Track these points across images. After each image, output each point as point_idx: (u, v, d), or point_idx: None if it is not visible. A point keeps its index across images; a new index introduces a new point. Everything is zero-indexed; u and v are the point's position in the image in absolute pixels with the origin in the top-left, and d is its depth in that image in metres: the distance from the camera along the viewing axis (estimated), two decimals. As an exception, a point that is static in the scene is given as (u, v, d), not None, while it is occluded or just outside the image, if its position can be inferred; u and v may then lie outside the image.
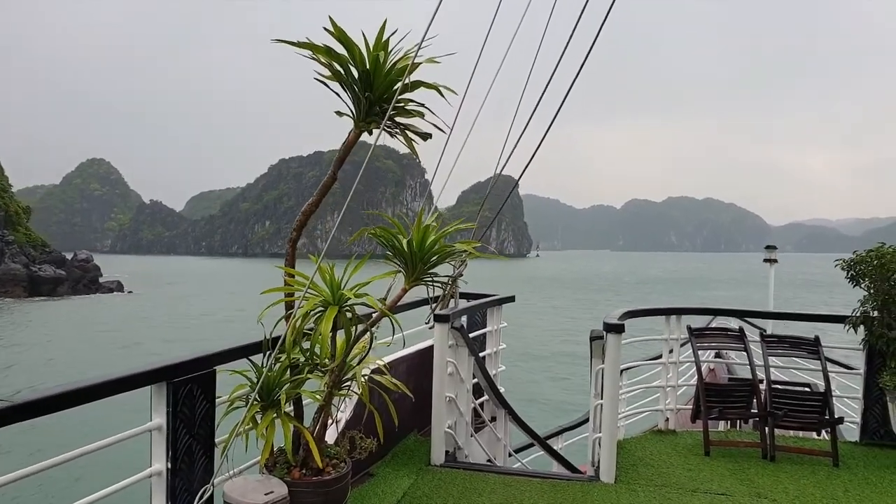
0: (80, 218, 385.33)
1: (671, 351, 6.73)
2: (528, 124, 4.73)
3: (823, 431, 6.44)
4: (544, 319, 54.34)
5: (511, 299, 7.19)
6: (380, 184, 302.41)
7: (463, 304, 6.38)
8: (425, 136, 3.99)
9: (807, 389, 6.32)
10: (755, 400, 6.21)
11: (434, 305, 5.20)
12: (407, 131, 3.97)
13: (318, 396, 3.86)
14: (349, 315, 3.68)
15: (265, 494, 3.32)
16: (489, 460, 6.40)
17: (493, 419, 6.79)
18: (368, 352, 4.06)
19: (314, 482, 3.63)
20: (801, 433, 6.73)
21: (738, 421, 7.35)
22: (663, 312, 6.75)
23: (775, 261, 12.39)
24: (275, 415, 3.58)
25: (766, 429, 6.05)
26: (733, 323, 8.94)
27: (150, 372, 3.21)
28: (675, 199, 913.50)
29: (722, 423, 7.49)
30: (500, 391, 6.72)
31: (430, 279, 3.99)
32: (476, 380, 6.15)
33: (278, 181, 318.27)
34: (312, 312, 3.64)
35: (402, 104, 3.80)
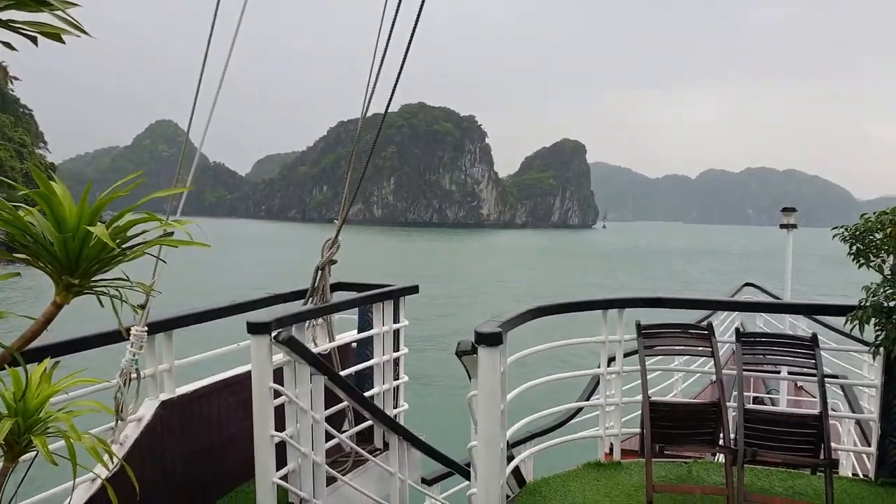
0: (149, 178, 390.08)
1: (613, 359, 5.66)
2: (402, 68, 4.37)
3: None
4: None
5: (413, 290, 5.74)
6: (438, 148, 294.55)
7: (345, 297, 5.39)
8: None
9: (794, 413, 5.30)
10: (721, 427, 4.85)
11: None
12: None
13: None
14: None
15: None
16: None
17: (386, 447, 5.53)
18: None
19: None
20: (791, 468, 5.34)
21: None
22: (595, 306, 5.51)
23: (794, 226, 10.74)
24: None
25: (735, 468, 4.73)
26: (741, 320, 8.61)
27: None
28: (754, 170, 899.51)
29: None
30: (400, 410, 5.75)
31: (101, 286, 2.00)
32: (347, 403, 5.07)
33: (336, 144, 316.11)
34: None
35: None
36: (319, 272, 4.98)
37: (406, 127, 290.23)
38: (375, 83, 4.61)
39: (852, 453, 6.99)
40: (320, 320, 5.02)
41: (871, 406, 5.82)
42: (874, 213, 4.71)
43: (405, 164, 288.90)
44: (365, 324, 5.63)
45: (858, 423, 6.65)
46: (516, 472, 5.15)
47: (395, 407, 5.81)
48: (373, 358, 5.51)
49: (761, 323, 12.26)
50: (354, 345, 5.67)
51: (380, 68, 4.55)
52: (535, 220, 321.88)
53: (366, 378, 5.51)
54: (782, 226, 11.00)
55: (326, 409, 4.69)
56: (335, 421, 4.98)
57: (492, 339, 3.92)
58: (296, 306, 4.94)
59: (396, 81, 4.58)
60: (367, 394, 5.33)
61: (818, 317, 8.45)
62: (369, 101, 4.75)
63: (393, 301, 5.68)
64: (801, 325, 9.74)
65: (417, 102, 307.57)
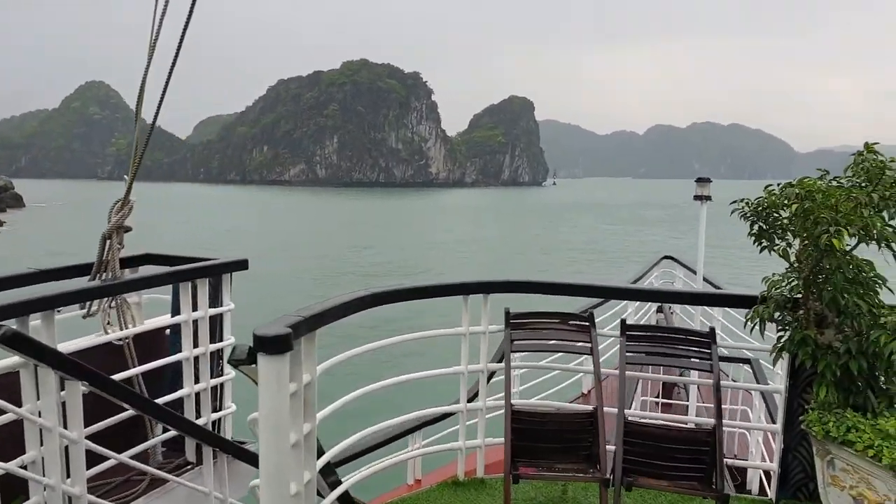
0: (80, 143, 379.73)
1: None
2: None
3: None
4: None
5: (240, 265, 4.79)
6: (382, 105, 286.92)
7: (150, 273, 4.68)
8: None
9: (678, 427, 4.37)
10: (596, 443, 4.20)
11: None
12: None
13: None
14: None
15: None
16: None
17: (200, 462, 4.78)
18: None
19: None
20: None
21: None
22: (452, 291, 4.65)
23: (708, 198, 9.41)
24: None
25: (611, 492, 4.06)
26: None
27: None
28: (699, 125, 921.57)
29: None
30: (224, 413, 4.84)
31: None
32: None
33: (276, 104, 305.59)
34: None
35: None
36: (107, 242, 4.18)
37: (348, 84, 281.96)
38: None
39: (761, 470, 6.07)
40: (114, 302, 4.29)
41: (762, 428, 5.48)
42: (779, 185, 3.95)
43: (348, 123, 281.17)
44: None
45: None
46: (345, 499, 4.31)
47: (219, 409, 4.79)
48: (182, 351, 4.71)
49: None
50: (169, 331, 4.72)
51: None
52: (486, 178, 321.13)
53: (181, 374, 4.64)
54: (696, 197, 9.77)
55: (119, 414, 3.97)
56: (134, 430, 4.21)
57: (276, 345, 2.84)
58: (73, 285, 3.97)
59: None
60: (175, 395, 4.42)
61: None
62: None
63: (212, 279, 4.77)
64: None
65: (360, 59, 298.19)
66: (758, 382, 6.12)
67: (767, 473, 4.88)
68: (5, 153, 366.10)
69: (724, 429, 4.04)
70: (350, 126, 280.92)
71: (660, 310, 11.07)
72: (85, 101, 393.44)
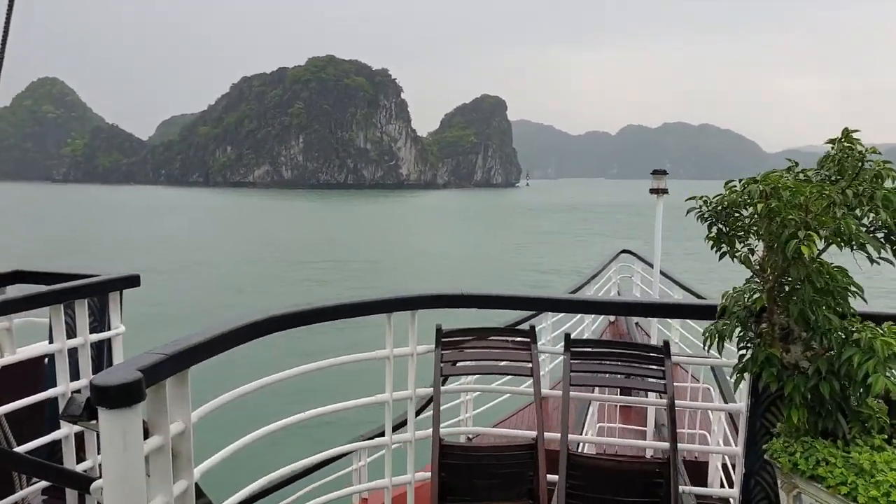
0: (33, 143, 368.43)
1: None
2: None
3: None
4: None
5: (132, 282, 4.42)
6: (349, 104, 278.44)
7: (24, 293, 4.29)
8: None
9: (633, 459, 4.04)
10: (536, 477, 3.89)
11: None
12: None
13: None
14: None
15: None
16: None
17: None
18: None
19: None
20: None
21: None
22: (371, 309, 4.04)
23: (664, 191, 8.99)
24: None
25: None
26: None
27: None
28: (670, 125, 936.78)
29: None
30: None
31: None
32: None
33: (240, 102, 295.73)
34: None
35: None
36: None
37: (314, 81, 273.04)
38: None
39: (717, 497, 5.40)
40: None
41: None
42: (741, 182, 3.44)
43: (314, 122, 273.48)
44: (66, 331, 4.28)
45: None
46: None
47: None
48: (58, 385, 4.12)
49: (638, 293, 12.10)
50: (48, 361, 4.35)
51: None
52: (458, 179, 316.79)
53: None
54: (652, 190, 9.04)
55: None
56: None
57: (121, 397, 2.27)
58: None
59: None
60: (49, 438, 3.91)
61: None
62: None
63: (97, 299, 4.33)
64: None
65: (326, 55, 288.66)
66: (720, 389, 5.83)
67: (727, 501, 4.40)
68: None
69: (680, 455, 3.70)
70: (316, 125, 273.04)
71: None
72: (37, 99, 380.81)
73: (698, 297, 8.41)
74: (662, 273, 9.36)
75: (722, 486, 5.40)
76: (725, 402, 5.80)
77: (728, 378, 6.26)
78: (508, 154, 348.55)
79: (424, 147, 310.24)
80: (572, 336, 4.00)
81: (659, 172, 9.26)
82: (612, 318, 11.18)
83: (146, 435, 2.47)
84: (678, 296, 9.32)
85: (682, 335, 7.22)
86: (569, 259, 49.44)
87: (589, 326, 9.70)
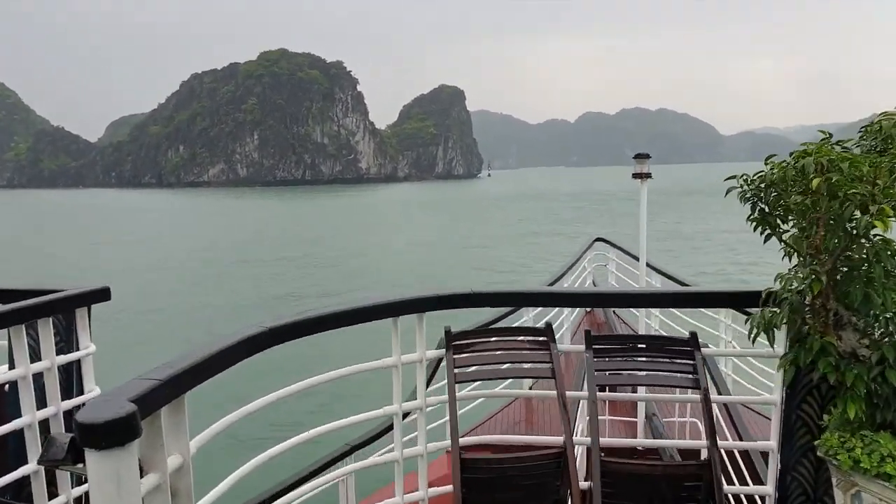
0: None
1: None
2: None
3: None
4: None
5: (101, 295, 4.13)
6: (304, 98, 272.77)
7: None
8: None
9: (660, 464, 4.24)
10: (565, 486, 3.71)
11: None
12: None
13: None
14: None
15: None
16: None
17: None
18: None
19: None
20: None
21: None
22: (373, 315, 3.73)
23: (648, 175, 8.72)
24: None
25: None
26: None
27: None
28: (628, 111, 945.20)
29: None
30: (82, 494, 4.06)
31: None
32: None
33: (191, 100, 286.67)
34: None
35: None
36: None
37: (267, 76, 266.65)
38: None
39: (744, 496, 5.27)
40: None
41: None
42: (792, 156, 3.14)
43: (269, 117, 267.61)
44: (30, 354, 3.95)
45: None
46: None
47: (83, 482, 3.82)
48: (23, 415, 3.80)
49: (614, 280, 12.12)
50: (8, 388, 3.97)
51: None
52: (419, 171, 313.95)
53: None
54: (635, 175, 8.78)
55: None
56: None
57: (114, 436, 1.91)
58: None
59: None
60: (16, 475, 3.62)
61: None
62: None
63: (62, 317, 4.02)
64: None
65: (278, 49, 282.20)
66: (714, 382, 5.55)
67: (763, 498, 4.24)
68: None
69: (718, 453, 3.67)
70: (271, 121, 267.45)
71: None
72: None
73: (682, 284, 8.19)
74: (649, 266, 9.23)
75: (745, 483, 4.98)
76: (720, 394, 5.48)
77: (721, 369, 6.24)
78: (469, 145, 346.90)
79: (383, 140, 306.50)
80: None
81: (642, 156, 8.86)
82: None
83: (140, 473, 2.09)
84: (656, 282, 9.30)
85: (662, 322, 6.91)
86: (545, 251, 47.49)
87: (568, 317, 9.81)
